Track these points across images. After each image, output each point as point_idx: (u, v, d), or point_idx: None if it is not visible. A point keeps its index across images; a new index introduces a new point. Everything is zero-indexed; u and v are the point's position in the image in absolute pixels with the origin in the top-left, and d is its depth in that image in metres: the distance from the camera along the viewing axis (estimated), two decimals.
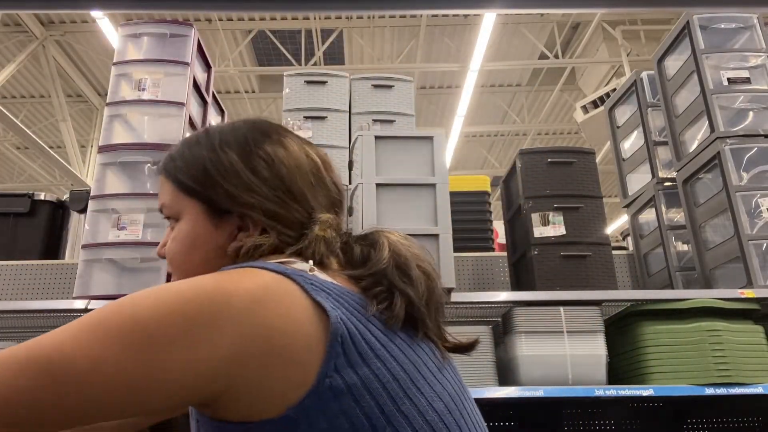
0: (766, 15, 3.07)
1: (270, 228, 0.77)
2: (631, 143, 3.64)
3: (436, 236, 2.29)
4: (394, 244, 0.81)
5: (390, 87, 3.17)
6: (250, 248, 0.75)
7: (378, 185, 2.39)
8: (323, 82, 3.11)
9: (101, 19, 7.18)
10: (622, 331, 2.41)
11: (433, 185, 2.41)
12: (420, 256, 0.82)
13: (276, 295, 0.64)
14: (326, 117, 3.04)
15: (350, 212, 2.65)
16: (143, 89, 2.77)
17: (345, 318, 0.66)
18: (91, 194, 2.60)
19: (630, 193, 3.56)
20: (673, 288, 3.01)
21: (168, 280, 2.47)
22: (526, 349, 2.27)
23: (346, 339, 0.64)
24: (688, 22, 3.00)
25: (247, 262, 0.72)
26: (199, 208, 0.79)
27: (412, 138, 2.53)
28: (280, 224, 0.77)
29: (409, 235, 0.85)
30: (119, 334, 0.59)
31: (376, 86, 3.16)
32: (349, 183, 2.90)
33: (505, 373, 2.36)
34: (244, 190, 0.77)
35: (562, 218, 2.70)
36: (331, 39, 8.77)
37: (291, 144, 0.84)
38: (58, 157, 8.33)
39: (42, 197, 3.33)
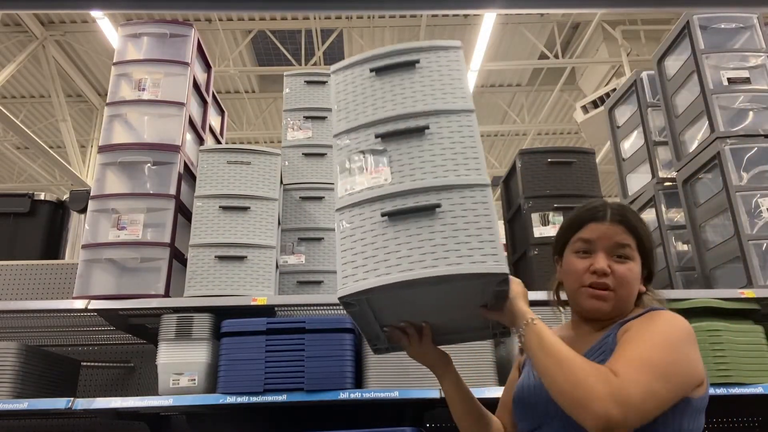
0: (766, 15, 3.07)
1: (648, 282, 1.31)
2: (631, 143, 3.63)
3: None
4: None
5: None
6: (647, 293, 1.29)
7: None
8: (323, 82, 3.10)
9: (101, 19, 7.19)
10: None
11: None
12: None
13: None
14: (326, 117, 3.03)
15: None
16: (143, 89, 2.77)
17: None
18: (91, 194, 2.60)
19: (630, 193, 3.56)
20: (673, 288, 3.01)
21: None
22: None
23: None
24: (688, 22, 3.00)
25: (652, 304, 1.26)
26: (639, 260, 1.25)
27: None
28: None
29: None
30: None
31: None
32: None
33: (505, 373, 2.34)
34: (654, 260, 1.31)
35: (562, 218, 2.70)
36: (331, 39, 8.77)
37: None
38: (58, 157, 8.34)
39: (42, 197, 3.33)
